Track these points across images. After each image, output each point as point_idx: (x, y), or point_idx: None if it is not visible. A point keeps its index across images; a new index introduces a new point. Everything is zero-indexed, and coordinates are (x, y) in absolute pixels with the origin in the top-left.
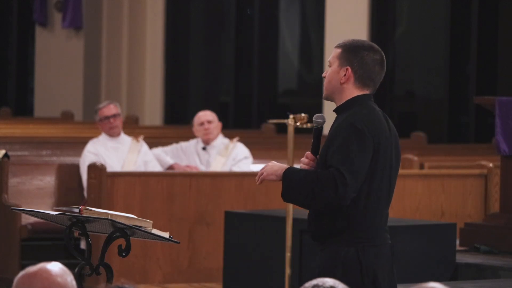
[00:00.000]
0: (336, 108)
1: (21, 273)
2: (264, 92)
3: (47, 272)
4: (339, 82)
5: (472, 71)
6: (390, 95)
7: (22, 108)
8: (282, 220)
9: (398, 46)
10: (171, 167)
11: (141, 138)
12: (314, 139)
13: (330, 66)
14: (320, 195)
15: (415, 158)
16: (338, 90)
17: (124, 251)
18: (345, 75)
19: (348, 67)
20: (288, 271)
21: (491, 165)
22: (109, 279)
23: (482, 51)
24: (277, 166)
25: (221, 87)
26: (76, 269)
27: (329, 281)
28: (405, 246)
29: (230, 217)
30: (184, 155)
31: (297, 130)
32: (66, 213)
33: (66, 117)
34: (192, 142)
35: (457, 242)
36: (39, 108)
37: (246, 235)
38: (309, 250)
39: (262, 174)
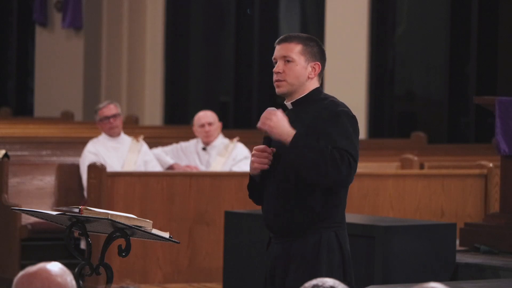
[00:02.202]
0: (296, 101)
1: (21, 273)
2: (264, 92)
3: (46, 272)
4: (306, 77)
5: (472, 71)
6: (390, 95)
7: (22, 108)
8: None
9: (398, 46)
10: (171, 167)
11: (141, 138)
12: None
13: (291, 61)
14: (335, 170)
15: (415, 158)
16: (302, 85)
17: (124, 251)
18: (314, 70)
19: (317, 62)
20: None
21: (491, 165)
22: (109, 279)
23: (482, 51)
24: (284, 127)
25: (221, 87)
26: (76, 269)
27: (329, 281)
28: (405, 246)
29: (230, 217)
30: (184, 155)
31: None
32: (66, 213)
33: (66, 117)
34: (192, 142)
35: (457, 242)
36: (39, 108)
37: (246, 235)
38: None
39: (265, 123)
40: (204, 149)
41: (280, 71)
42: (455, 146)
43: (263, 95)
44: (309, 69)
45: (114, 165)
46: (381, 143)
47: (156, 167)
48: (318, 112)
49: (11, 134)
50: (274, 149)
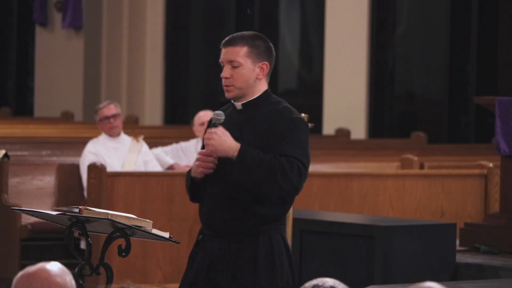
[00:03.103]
0: (247, 102)
1: (20, 273)
2: None
3: (46, 272)
4: (255, 79)
5: (472, 71)
6: (390, 95)
7: (22, 108)
8: None
9: (398, 46)
10: (171, 167)
11: (141, 138)
12: None
13: (238, 66)
14: (286, 181)
15: (415, 158)
16: (252, 86)
17: (124, 251)
18: (262, 70)
19: (265, 62)
20: None
21: (491, 165)
22: (109, 279)
23: (482, 51)
24: (227, 143)
25: (221, 87)
26: (76, 269)
27: (329, 281)
28: (405, 246)
29: None
30: (184, 155)
31: None
32: (66, 213)
33: (66, 117)
34: (192, 142)
35: (457, 242)
36: (39, 108)
37: None
38: (309, 250)
39: (208, 144)
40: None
41: (227, 76)
42: (455, 146)
43: None
44: (257, 70)
45: (114, 165)
46: (381, 143)
47: (156, 167)
48: (270, 117)
49: (11, 134)
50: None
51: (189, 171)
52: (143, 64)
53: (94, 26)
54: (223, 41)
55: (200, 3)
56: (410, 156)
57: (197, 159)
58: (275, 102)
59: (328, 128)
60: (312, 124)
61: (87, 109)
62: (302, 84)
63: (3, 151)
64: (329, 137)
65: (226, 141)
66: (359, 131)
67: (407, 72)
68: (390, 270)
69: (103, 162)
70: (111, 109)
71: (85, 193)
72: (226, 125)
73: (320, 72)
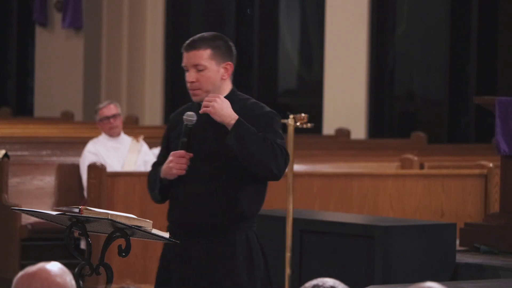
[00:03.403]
0: None
1: (20, 273)
2: (264, 92)
3: (46, 272)
4: (220, 79)
5: (472, 71)
6: (390, 95)
7: (22, 108)
8: (282, 220)
9: (398, 46)
10: None
11: (141, 138)
12: (185, 136)
13: (203, 69)
14: (273, 160)
15: (415, 158)
16: (218, 87)
17: (124, 251)
18: (226, 70)
19: (229, 62)
20: (288, 271)
21: (491, 165)
22: (109, 279)
23: (482, 51)
24: (228, 109)
25: None
26: (76, 269)
27: (329, 281)
28: (405, 246)
29: None
30: None
31: (297, 130)
32: (66, 213)
33: (66, 117)
34: None
35: (457, 242)
36: (39, 108)
37: None
38: (309, 250)
39: (209, 105)
40: None
41: (193, 80)
42: (455, 146)
43: (263, 95)
44: (222, 71)
45: (114, 165)
46: (381, 143)
47: None
48: (242, 113)
49: (11, 134)
50: (192, 154)
51: (153, 172)
52: (143, 64)
53: (94, 26)
54: (185, 45)
55: (200, 3)
56: (410, 156)
57: (170, 161)
58: (243, 99)
59: (328, 128)
60: (312, 124)
61: (87, 109)
62: (302, 84)
63: (3, 151)
64: (329, 137)
65: (227, 107)
66: (359, 131)
67: (407, 72)
68: (390, 270)
69: (103, 162)
70: (111, 109)
71: (85, 193)
72: (198, 125)
73: (320, 72)
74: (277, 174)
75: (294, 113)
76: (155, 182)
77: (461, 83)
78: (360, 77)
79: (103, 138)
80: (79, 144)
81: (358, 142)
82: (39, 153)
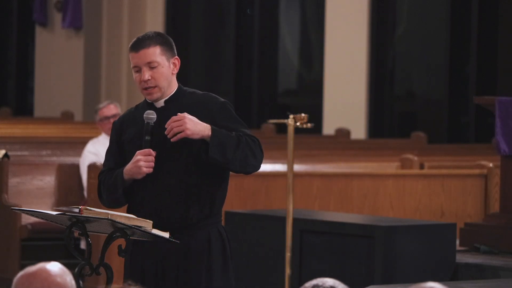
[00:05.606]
0: (169, 98)
1: (20, 273)
2: (264, 92)
3: (46, 272)
4: (171, 74)
5: (472, 71)
6: (390, 95)
7: (22, 108)
8: (282, 220)
9: (398, 46)
10: None
11: None
12: (147, 135)
13: (157, 66)
14: (252, 156)
15: (415, 158)
16: (170, 83)
17: (124, 251)
18: (175, 65)
19: (176, 57)
20: (288, 271)
21: (491, 165)
22: (109, 279)
23: (482, 51)
24: (200, 124)
25: (221, 87)
26: (76, 269)
27: (329, 281)
28: (405, 246)
29: (230, 217)
30: None
31: (297, 130)
32: (66, 213)
33: (66, 117)
34: None
35: (457, 242)
36: (39, 108)
37: (246, 235)
38: (309, 250)
39: (182, 129)
40: None
41: (149, 78)
42: (455, 146)
43: (263, 95)
44: (171, 66)
45: None
46: (381, 143)
47: None
48: (197, 106)
49: (11, 134)
50: (155, 152)
51: (109, 177)
52: None
53: (94, 26)
54: (132, 46)
55: (200, 3)
56: (410, 156)
57: (138, 160)
58: (190, 92)
59: (328, 128)
60: (312, 124)
61: (87, 109)
62: (302, 84)
63: (3, 151)
64: (329, 137)
65: (198, 122)
66: (359, 131)
67: (407, 72)
68: (390, 270)
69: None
70: (111, 109)
71: (85, 193)
72: (156, 123)
73: (320, 72)
74: (258, 166)
75: (294, 113)
76: (115, 184)
77: (461, 83)
78: (360, 77)
79: (103, 138)
80: (79, 144)
81: (358, 142)
82: (39, 153)
